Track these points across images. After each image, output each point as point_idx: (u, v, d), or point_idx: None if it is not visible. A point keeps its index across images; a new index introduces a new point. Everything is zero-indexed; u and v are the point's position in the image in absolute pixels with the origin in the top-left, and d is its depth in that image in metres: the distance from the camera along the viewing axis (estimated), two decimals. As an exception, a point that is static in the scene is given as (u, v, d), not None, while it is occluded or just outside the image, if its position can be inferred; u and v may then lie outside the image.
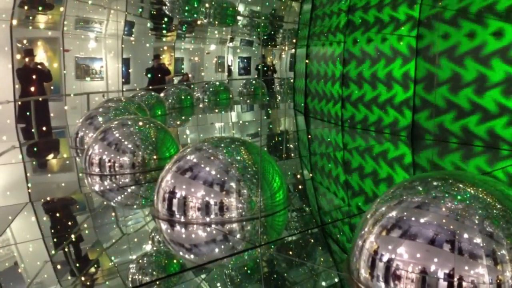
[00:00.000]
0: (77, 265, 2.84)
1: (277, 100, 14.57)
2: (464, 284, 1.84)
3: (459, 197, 2.05)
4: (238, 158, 3.25)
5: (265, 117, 10.48)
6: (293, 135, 7.94)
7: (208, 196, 3.08)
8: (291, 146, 7.02)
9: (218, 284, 2.55)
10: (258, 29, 16.08)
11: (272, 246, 2.86)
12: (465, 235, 1.91)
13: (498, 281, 1.83)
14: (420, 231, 1.99)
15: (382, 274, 2.00)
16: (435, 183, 2.20)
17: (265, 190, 3.21)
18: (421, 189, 2.18)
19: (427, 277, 1.89)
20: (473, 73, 5.49)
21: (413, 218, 2.04)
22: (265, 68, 16.89)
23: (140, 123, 4.84)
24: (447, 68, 5.76)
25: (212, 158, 3.23)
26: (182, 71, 16.10)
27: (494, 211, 1.98)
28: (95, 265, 2.84)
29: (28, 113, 8.98)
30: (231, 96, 13.00)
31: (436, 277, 1.87)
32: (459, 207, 2.01)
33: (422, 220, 2.01)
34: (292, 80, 10.90)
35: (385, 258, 2.01)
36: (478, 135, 5.52)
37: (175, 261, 2.87)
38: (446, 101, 5.79)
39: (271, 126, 9.30)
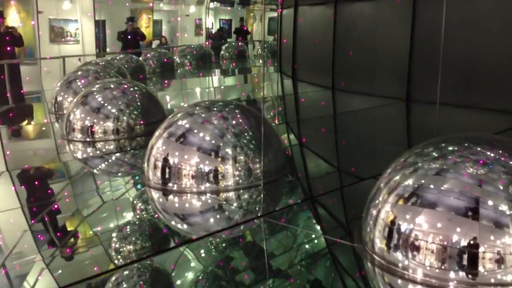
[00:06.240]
0: (57, 234, 2.72)
1: (259, 63, 14.22)
2: (489, 255, 1.72)
3: (480, 161, 1.91)
4: (234, 122, 3.05)
5: (247, 82, 10.23)
6: (280, 99, 7.73)
7: (202, 163, 2.90)
8: (280, 110, 6.82)
9: (219, 254, 2.41)
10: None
11: (274, 216, 2.71)
12: (489, 202, 1.78)
13: (527, 251, 1.71)
14: (440, 199, 1.85)
15: (400, 245, 1.87)
16: (450, 148, 2.06)
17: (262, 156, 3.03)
18: (436, 154, 2.04)
19: (449, 248, 1.76)
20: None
21: (431, 186, 1.90)
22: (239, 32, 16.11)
23: (124, 86, 4.56)
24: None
25: (205, 122, 3.03)
26: (162, 33, 15.61)
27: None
28: (76, 235, 2.72)
29: (2, 77, 8.53)
30: (212, 60, 12.62)
31: (458, 247, 1.74)
32: (481, 172, 1.87)
33: (442, 187, 1.87)
34: (274, 42, 10.57)
35: (403, 228, 1.87)
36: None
37: (169, 231, 2.71)
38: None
39: (256, 90, 9.06)
